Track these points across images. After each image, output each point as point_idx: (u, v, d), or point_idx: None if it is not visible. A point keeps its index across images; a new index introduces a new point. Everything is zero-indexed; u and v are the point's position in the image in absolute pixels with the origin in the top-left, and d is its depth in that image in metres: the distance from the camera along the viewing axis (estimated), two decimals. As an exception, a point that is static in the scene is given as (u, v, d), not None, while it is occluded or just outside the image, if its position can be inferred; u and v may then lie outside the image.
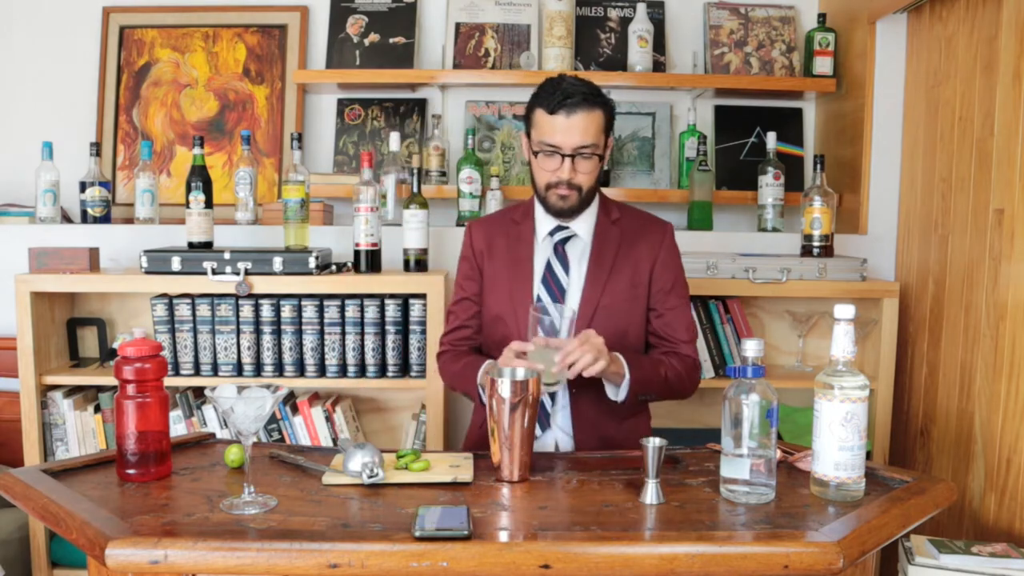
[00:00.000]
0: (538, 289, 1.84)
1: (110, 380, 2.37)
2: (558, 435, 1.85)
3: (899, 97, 2.56)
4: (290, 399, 2.47)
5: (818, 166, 2.50)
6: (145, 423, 1.48)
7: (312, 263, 2.34)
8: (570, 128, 1.72)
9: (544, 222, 1.86)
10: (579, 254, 1.86)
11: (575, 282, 1.84)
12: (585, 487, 1.50)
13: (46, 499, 1.38)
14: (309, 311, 2.39)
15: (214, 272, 2.34)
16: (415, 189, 2.47)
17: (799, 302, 2.56)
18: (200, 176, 2.39)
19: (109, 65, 2.89)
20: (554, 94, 1.73)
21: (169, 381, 2.25)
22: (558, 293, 1.83)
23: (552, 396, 1.83)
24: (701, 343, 2.45)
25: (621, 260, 1.84)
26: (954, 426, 2.21)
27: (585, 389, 1.80)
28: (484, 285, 1.90)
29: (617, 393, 1.75)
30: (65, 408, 2.40)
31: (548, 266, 1.85)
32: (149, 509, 1.36)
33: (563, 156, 1.74)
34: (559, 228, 1.84)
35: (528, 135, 1.82)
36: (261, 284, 2.35)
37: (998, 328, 2.01)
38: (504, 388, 1.49)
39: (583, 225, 1.85)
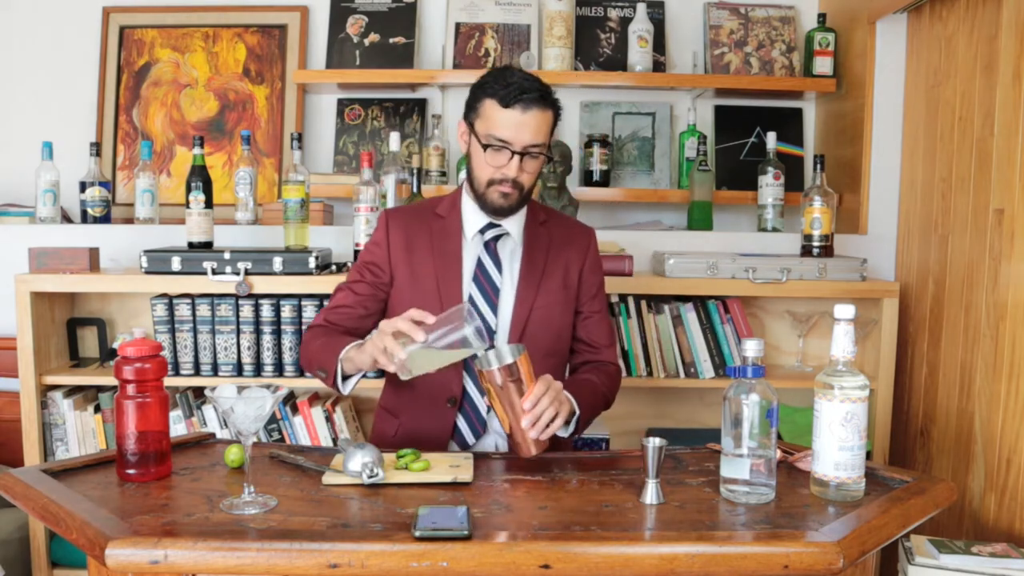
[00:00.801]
0: (468, 287, 1.78)
1: (110, 380, 2.37)
2: (496, 439, 1.82)
3: (899, 97, 2.56)
4: (290, 399, 2.47)
5: (818, 166, 2.50)
6: (145, 423, 1.48)
7: (312, 263, 2.34)
8: (523, 125, 1.66)
9: (474, 218, 1.79)
10: (509, 254, 1.81)
11: (508, 281, 1.79)
12: (585, 487, 1.50)
13: (46, 499, 1.38)
14: (309, 311, 2.39)
15: (214, 272, 2.34)
16: (415, 189, 2.47)
17: (799, 302, 2.56)
18: (200, 176, 2.39)
19: (109, 65, 2.89)
20: (508, 87, 1.66)
21: (169, 381, 2.25)
22: (491, 292, 1.78)
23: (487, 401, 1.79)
24: (701, 343, 2.45)
25: (552, 262, 1.81)
26: (954, 426, 2.21)
27: None
28: (401, 279, 1.79)
29: (566, 430, 1.68)
30: (65, 408, 2.40)
31: (479, 264, 1.79)
32: (149, 509, 1.36)
33: (512, 153, 1.67)
34: (491, 226, 1.78)
35: (471, 125, 1.73)
36: (261, 284, 2.35)
37: (998, 328, 2.01)
38: (496, 377, 1.50)
39: (514, 224, 1.80)
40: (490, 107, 1.68)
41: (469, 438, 1.80)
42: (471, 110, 1.74)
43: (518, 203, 1.75)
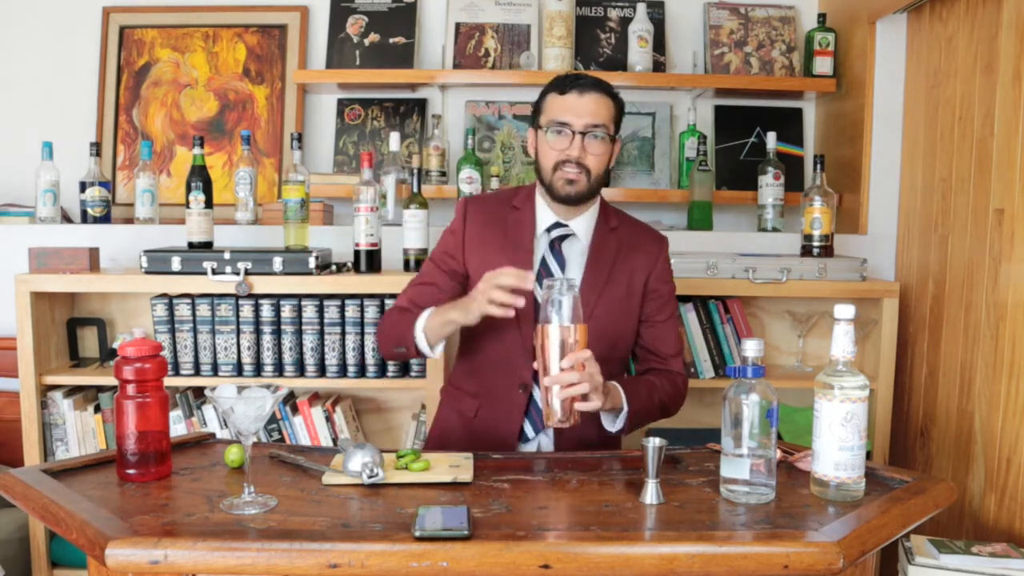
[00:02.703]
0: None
1: (110, 380, 2.37)
2: (541, 439, 1.84)
3: (899, 97, 2.56)
4: (290, 399, 2.47)
5: (818, 166, 2.50)
6: (145, 423, 1.48)
7: (312, 263, 2.34)
8: (581, 106, 1.73)
9: (544, 215, 1.82)
10: (576, 255, 1.83)
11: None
12: (585, 487, 1.50)
13: (46, 499, 1.38)
14: (309, 311, 2.39)
15: (214, 272, 2.34)
16: (415, 189, 2.47)
17: (799, 302, 2.56)
18: (200, 176, 2.39)
19: (109, 65, 2.89)
20: (566, 78, 1.77)
21: (169, 381, 2.25)
22: None
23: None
24: (701, 343, 2.45)
25: (618, 268, 1.82)
26: (954, 426, 2.21)
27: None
28: (473, 269, 1.82)
29: (613, 423, 1.73)
30: (65, 408, 2.40)
31: (543, 262, 1.81)
32: (149, 509, 1.36)
33: (574, 133, 1.73)
34: (557, 224, 1.81)
35: (535, 127, 1.81)
36: (261, 284, 2.35)
37: (998, 328, 2.01)
38: (554, 333, 1.50)
39: (582, 226, 1.82)
40: (551, 99, 1.78)
41: (530, 432, 1.83)
42: (536, 113, 1.81)
43: (587, 191, 1.76)
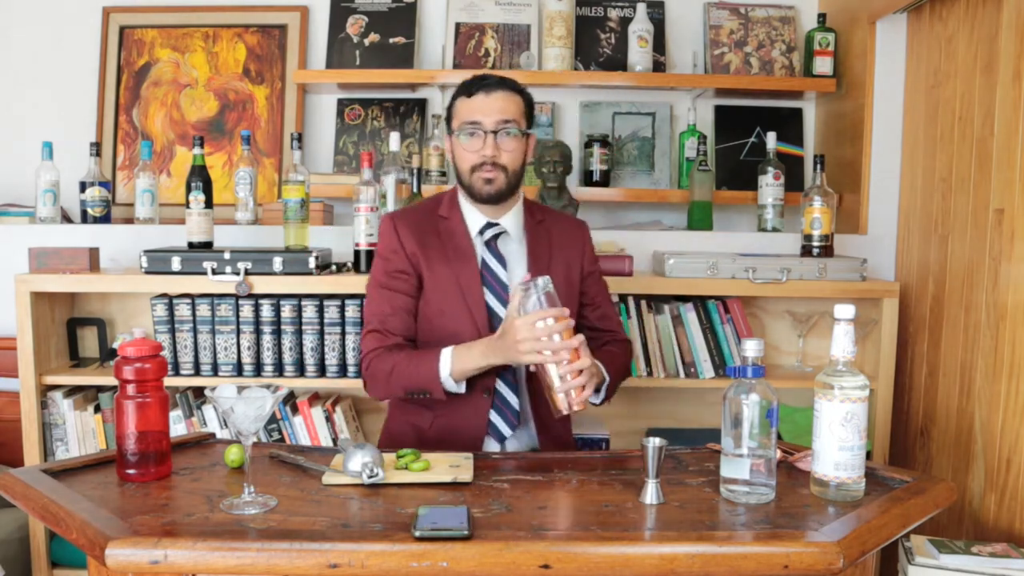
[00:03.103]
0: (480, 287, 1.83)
1: (110, 380, 2.37)
2: (531, 433, 1.89)
3: (899, 97, 2.56)
4: (290, 399, 2.47)
5: (818, 166, 2.50)
6: (145, 423, 1.48)
7: (312, 263, 2.34)
8: (489, 105, 1.76)
9: (473, 218, 1.85)
10: (513, 253, 1.87)
11: (515, 279, 1.83)
12: (585, 487, 1.50)
13: (46, 499, 1.38)
14: (309, 311, 2.39)
15: (214, 272, 2.34)
16: (415, 189, 2.46)
17: (799, 302, 2.56)
18: (200, 176, 2.39)
19: (109, 65, 2.89)
20: (472, 81, 1.80)
21: (169, 381, 2.25)
22: (500, 290, 1.83)
23: (515, 394, 1.84)
24: (701, 343, 2.45)
25: (555, 259, 1.87)
26: (954, 426, 2.21)
27: (542, 394, 1.82)
28: (425, 286, 1.83)
29: (597, 396, 1.79)
30: (65, 408, 2.40)
31: (484, 264, 1.84)
32: (149, 509, 1.36)
33: (486, 133, 1.75)
34: (489, 225, 1.84)
35: (449, 132, 1.84)
36: (261, 284, 2.35)
37: (998, 328, 2.01)
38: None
39: (512, 223, 1.86)
40: (459, 104, 1.81)
41: (505, 430, 1.84)
42: (448, 121, 1.86)
43: (506, 188, 1.80)
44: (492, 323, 1.80)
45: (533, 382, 1.82)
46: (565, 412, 1.63)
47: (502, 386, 1.83)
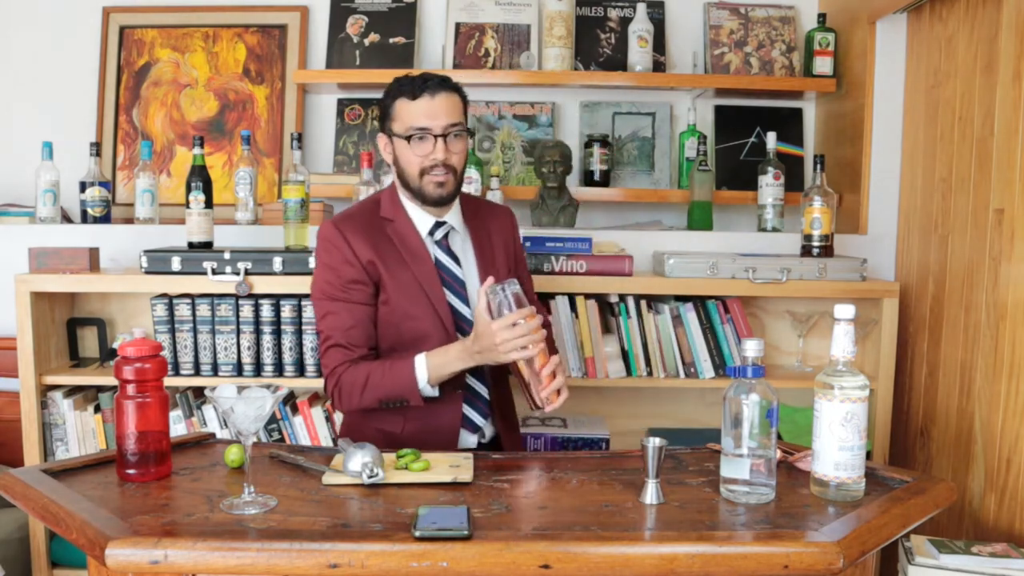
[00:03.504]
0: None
1: (110, 380, 2.36)
2: (488, 429, 1.92)
3: (899, 97, 2.56)
4: (290, 399, 2.47)
5: (818, 166, 2.50)
6: (145, 423, 1.48)
7: (312, 263, 2.34)
8: (437, 108, 1.75)
9: (420, 218, 1.84)
10: (459, 248, 1.89)
11: (469, 275, 1.86)
12: (585, 487, 1.50)
13: (46, 499, 1.38)
14: (309, 311, 2.39)
15: (214, 272, 2.34)
16: (415, 189, 2.46)
17: (799, 302, 2.56)
18: (200, 176, 2.39)
19: (109, 65, 2.89)
20: (412, 82, 1.77)
21: (169, 381, 2.25)
22: (457, 286, 1.85)
23: (484, 385, 1.88)
24: (701, 343, 2.45)
25: (495, 247, 1.91)
26: (954, 426, 2.21)
27: (501, 384, 1.93)
28: (384, 287, 1.81)
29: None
30: (65, 408, 2.40)
31: (438, 263, 1.84)
32: (149, 509, 1.36)
33: (436, 136, 1.75)
34: (438, 224, 1.85)
35: (389, 134, 1.81)
36: (261, 284, 2.35)
37: (998, 328, 2.01)
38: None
39: (455, 219, 1.88)
40: (401, 106, 1.78)
41: (479, 420, 1.87)
42: (385, 120, 1.82)
43: (455, 189, 1.82)
44: (456, 321, 1.82)
45: (497, 371, 1.88)
46: (542, 408, 1.70)
47: (471, 379, 1.86)
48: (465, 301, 1.84)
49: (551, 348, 1.85)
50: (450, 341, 1.78)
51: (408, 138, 1.76)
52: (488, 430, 1.91)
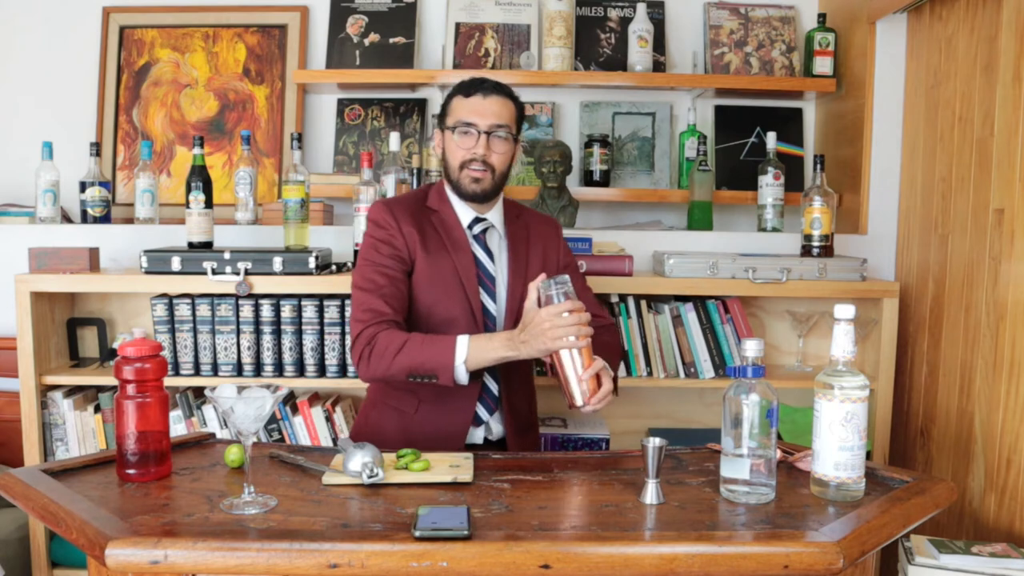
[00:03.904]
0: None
1: (110, 380, 2.37)
2: (496, 426, 1.93)
3: (899, 97, 2.56)
4: (290, 399, 2.47)
5: (818, 166, 2.50)
6: (145, 423, 1.48)
7: (312, 263, 2.34)
8: (485, 108, 1.83)
9: (463, 212, 1.91)
10: (495, 246, 1.93)
11: (500, 272, 1.91)
12: (585, 487, 1.50)
13: (46, 499, 1.38)
14: (309, 311, 2.39)
15: (214, 272, 2.34)
16: (415, 189, 2.46)
17: (799, 302, 2.56)
18: (200, 176, 2.39)
19: (109, 65, 2.89)
20: (471, 83, 1.86)
21: (169, 381, 2.25)
22: (488, 282, 1.88)
23: (495, 379, 1.89)
24: (701, 343, 2.45)
25: (532, 253, 1.95)
26: (954, 426, 2.21)
27: (514, 381, 1.93)
28: (420, 269, 1.84)
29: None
30: (65, 408, 2.40)
31: (474, 256, 1.89)
32: (149, 509, 1.36)
33: (479, 133, 1.82)
34: (477, 220, 1.91)
35: (441, 128, 1.90)
36: (261, 284, 2.35)
37: (998, 328, 2.01)
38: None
39: (496, 218, 1.94)
40: (455, 102, 1.87)
41: (484, 415, 1.89)
42: (442, 117, 1.91)
43: (491, 188, 1.86)
44: (484, 315, 1.86)
45: (510, 369, 1.88)
46: (580, 405, 1.68)
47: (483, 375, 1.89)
48: (492, 297, 1.88)
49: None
50: (477, 332, 1.81)
51: (453, 129, 1.84)
52: (496, 427, 1.92)
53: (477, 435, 1.91)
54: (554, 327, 1.64)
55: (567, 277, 1.69)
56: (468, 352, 1.71)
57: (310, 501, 1.41)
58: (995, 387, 2.02)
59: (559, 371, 1.69)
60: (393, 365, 1.73)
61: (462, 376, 1.73)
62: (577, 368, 1.67)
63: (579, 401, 1.68)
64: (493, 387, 1.90)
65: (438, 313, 1.84)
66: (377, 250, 1.85)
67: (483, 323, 1.85)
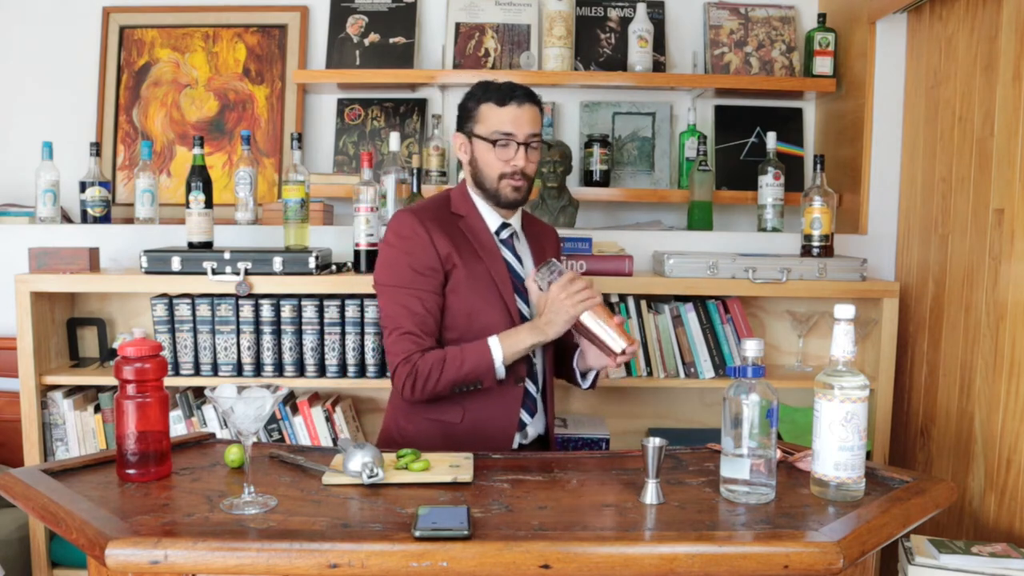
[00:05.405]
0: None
1: (110, 380, 2.37)
2: (538, 425, 1.95)
3: (899, 97, 2.56)
4: (290, 399, 2.47)
5: (818, 166, 2.50)
6: (145, 423, 1.48)
7: (312, 263, 2.34)
8: (522, 118, 1.83)
9: (491, 218, 1.91)
10: (521, 250, 1.96)
11: (527, 275, 1.92)
12: (585, 487, 1.50)
13: (46, 499, 1.38)
14: (309, 311, 2.39)
15: (214, 272, 2.34)
16: (415, 189, 2.46)
17: (799, 302, 2.56)
18: (200, 176, 2.39)
19: (109, 65, 2.89)
20: (500, 90, 1.84)
21: (169, 381, 2.25)
22: (519, 286, 1.90)
23: (535, 382, 1.92)
24: (701, 343, 2.45)
25: (548, 255, 1.97)
26: (954, 426, 2.21)
27: (548, 381, 1.97)
28: (457, 278, 1.83)
29: (585, 380, 1.94)
30: (65, 408, 2.40)
31: (505, 261, 1.91)
32: (149, 509, 1.36)
33: (518, 144, 1.82)
34: (504, 225, 1.92)
35: (470, 133, 1.87)
36: (261, 284, 2.35)
37: (998, 328, 2.01)
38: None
39: (517, 222, 1.96)
40: (488, 110, 1.84)
41: (526, 418, 1.91)
42: (468, 121, 1.88)
43: (527, 194, 1.89)
44: (520, 319, 1.88)
45: (542, 369, 1.94)
46: (620, 350, 1.72)
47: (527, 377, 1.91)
48: (525, 301, 1.90)
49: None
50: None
51: (494, 142, 1.82)
52: (531, 430, 1.93)
53: (519, 437, 1.92)
54: (569, 295, 1.72)
55: (554, 260, 1.78)
56: (503, 351, 1.77)
57: (310, 501, 1.41)
58: (995, 387, 2.02)
59: (588, 334, 1.76)
60: (439, 385, 1.78)
61: (502, 373, 1.79)
62: (602, 322, 1.73)
63: (618, 347, 1.73)
64: (533, 389, 1.91)
65: (479, 320, 1.83)
66: (412, 268, 1.81)
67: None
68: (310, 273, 2.35)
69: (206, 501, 1.40)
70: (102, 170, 2.69)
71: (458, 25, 2.86)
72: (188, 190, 2.39)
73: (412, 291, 1.81)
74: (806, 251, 2.47)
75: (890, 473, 1.55)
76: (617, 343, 1.73)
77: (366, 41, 2.85)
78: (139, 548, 1.21)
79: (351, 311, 2.39)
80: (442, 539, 1.23)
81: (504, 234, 1.91)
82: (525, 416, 1.90)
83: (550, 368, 1.98)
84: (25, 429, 2.37)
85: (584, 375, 1.95)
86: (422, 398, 1.80)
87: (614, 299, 2.45)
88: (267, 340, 2.40)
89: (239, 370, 2.42)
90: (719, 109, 2.93)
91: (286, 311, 2.40)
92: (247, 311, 2.39)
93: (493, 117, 1.82)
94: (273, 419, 2.40)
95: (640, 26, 2.78)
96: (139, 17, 2.90)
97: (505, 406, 1.86)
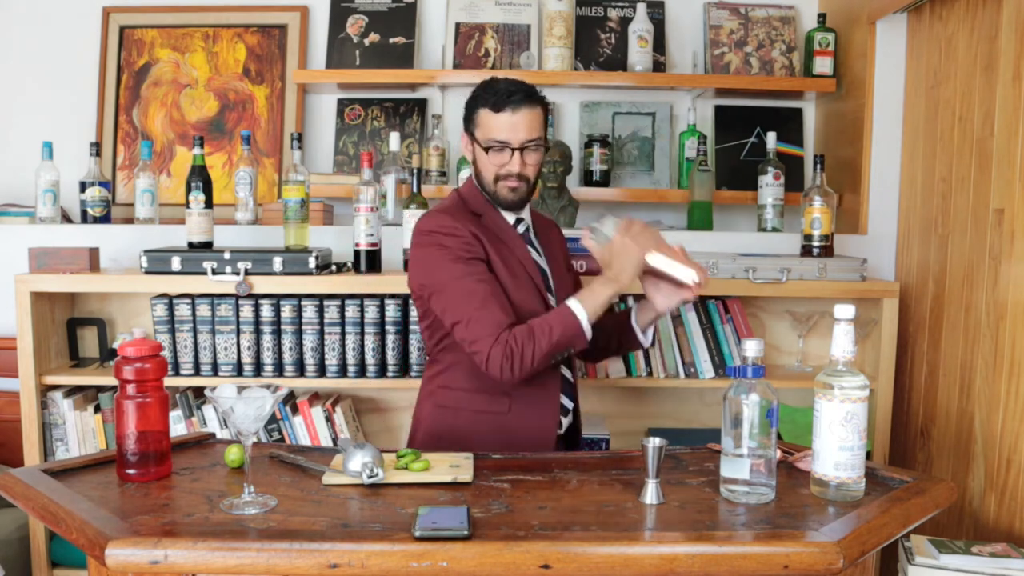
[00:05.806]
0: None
1: (110, 380, 2.37)
2: (564, 419, 1.94)
3: (899, 97, 2.56)
4: (290, 399, 2.47)
5: (818, 166, 2.50)
6: (145, 423, 1.48)
7: (312, 263, 2.34)
8: (516, 124, 1.80)
9: (507, 214, 1.91)
10: (537, 243, 1.96)
11: (547, 268, 1.94)
12: (585, 487, 1.50)
13: (46, 499, 1.38)
14: (309, 311, 2.39)
15: (214, 272, 2.34)
16: (415, 189, 2.46)
17: (799, 302, 2.56)
18: (200, 176, 2.39)
19: (109, 65, 2.89)
20: (497, 94, 1.81)
21: (169, 381, 2.25)
22: (545, 277, 1.91)
23: (568, 367, 1.92)
24: (701, 343, 2.45)
25: (557, 250, 2.00)
26: (954, 426, 2.21)
27: (575, 372, 1.97)
28: (498, 273, 1.83)
29: (647, 337, 1.91)
30: (65, 408, 2.40)
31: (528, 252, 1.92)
32: (149, 509, 1.36)
33: (513, 150, 1.81)
34: (518, 220, 1.92)
35: (472, 135, 1.87)
36: (261, 284, 2.35)
37: (998, 328, 2.01)
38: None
39: (527, 217, 1.96)
40: (484, 115, 1.83)
41: (567, 402, 1.92)
42: (469, 122, 1.88)
43: (527, 194, 1.88)
44: (554, 295, 1.91)
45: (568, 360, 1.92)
46: (695, 281, 1.69)
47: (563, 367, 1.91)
48: (551, 291, 1.90)
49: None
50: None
51: (487, 148, 1.82)
52: (566, 420, 1.93)
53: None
54: (634, 239, 1.69)
55: (600, 216, 1.76)
56: (586, 310, 1.74)
57: (310, 501, 1.41)
58: (995, 387, 2.02)
59: (660, 273, 1.73)
60: (535, 358, 1.73)
61: (590, 333, 1.76)
62: (670, 258, 1.70)
63: (691, 279, 1.69)
64: (569, 375, 1.92)
65: (519, 310, 1.80)
66: (461, 259, 1.78)
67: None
68: (310, 273, 2.35)
69: (206, 501, 1.40)
70: (102, 170, 2.69)
71: (458, 25, 2.86)
72: (188, 190, 2.39)
73: (471, 278, 1.77)
74: (806, 251, 2.47)
75: (890, 473, 1.55)
76: (688, 276, 1.70)
77: (366, 41, 2.85)
78: (139, 548, 1.21)
79: (351, 311, 2.39)
80: (442, 539, 1.23)
81: (520, 228, 1.92)
82: (566, 401, 1.91)
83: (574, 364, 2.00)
84: (25, 429, 2.37)
85: (644, 331, 1.90)
86: (522, 376, 1.74)
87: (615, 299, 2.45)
88: (267, 340, 2.40)
89: (239, 370, 2.42)
90: (719, 109, 2.93)
91: (286, 311, 2.40)
92: (247, 311, 2.39)
93: (488, 123, 1.81)
94: (273, 419, 2.40)
95: (640, 26, 2.78)
96: (139, 17, 2.90)
97: (547, 393, 1.86)
